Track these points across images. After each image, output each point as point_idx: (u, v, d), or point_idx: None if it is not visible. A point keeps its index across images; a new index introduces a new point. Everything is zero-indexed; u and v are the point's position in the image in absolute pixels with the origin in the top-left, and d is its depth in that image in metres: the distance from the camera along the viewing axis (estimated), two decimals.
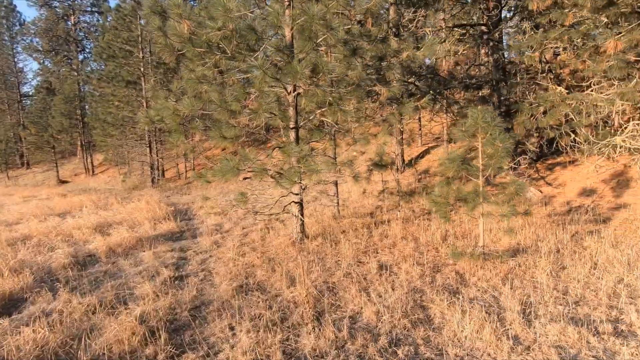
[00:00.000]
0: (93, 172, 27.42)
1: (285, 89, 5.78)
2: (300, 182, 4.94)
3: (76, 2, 31.88)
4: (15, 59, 32.69)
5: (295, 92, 5.77)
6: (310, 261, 5.30)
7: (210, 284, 4.72)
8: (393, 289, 4.12)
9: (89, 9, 32.26)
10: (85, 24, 32.84)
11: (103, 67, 20.04)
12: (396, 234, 6.44)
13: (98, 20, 30.56)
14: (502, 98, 9.59)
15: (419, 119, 14.58)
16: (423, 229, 6.76)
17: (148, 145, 17.07)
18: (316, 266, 5.05)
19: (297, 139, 6.02)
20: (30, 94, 33.59)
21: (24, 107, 32.86)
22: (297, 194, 6.16)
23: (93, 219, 8.84)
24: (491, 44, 9.01)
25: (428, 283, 4.30)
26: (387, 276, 4.55)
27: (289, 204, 6.08)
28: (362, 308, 3.71)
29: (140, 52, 16.50)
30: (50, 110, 24.91)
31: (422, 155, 14.14)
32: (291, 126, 6.01)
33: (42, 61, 33.69)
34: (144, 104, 16.67)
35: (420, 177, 12.59)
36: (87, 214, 10.35)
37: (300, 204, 6.28)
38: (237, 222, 8.71)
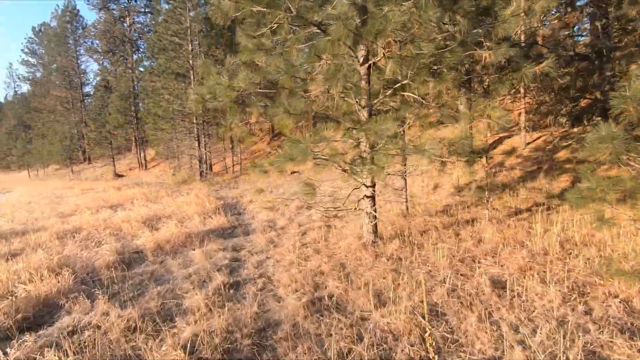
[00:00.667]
0: (146, 166, 28.36)
1: (357, 57, 4.70)
2: (382, 171, 3.82)
3: (131, 3, 33.21)
4: (79, 61, 34.89)
5: (370, 62, 4.65)
6: (392, 270, 4.19)
7: (272, 295, 3.78)
8: (531, 320, 2.89)
9: (142, 9, 33.48)
10: (139, 25, 34.12)
11: (154, 63, 20.31)
12: (492, 238, 5.12)
13: (151, 20, 31.54)
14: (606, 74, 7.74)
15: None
16: (525, 231, 5.37)
17: (197, 138, 16.88)
18: (403, 277, 3.93)
19: (369, 119, 4.91)
20: (91, 93, 35.68)
21: (86, 106, 34.97)
22: (370, 186, 5.06)
23: (143, 212, 8.42)
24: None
25: (581, 313, 3.00)
26: (511, 298, 3.31)
27: (362, 198, 4.99)
28: (497, 349, 2.54)
29: (189, 45, 16.29)
30: (107, 108, 26.02)
31: (494, 146, 12.39)
32: (363, 105, 4.91)
33: (101, 62, 35.63)
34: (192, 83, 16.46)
35: (495, 170, 10.93)
36: (137, 206, 10.07)
37: (373, 198, 5.18)
38: (291, 218, 7.81)
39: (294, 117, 4.11)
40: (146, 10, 33.11)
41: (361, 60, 4.75)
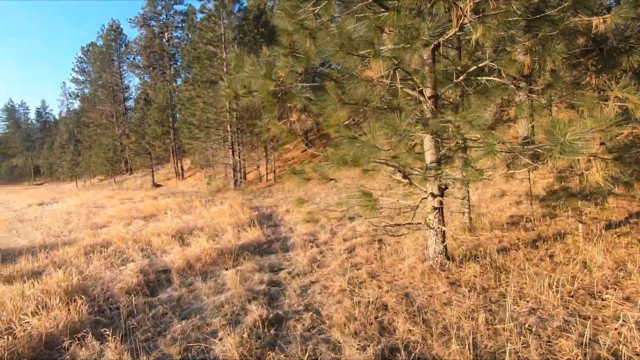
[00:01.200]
0: (182, 176, 28.80)
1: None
2: (480, 176, 2.86)
3: (169, 19, 34.43)
4: (122, 77, 36.59)
5: (440, 39, 3.71)
6: (482, 307, 3.16)
7: (324, 339, 2.89)
8: None
9: (179, 24, 34.58)
10: (177, 39, 35.26)
11: (190, 74, 20.48)
12: (603, 262, 3.93)
13: (185, 32, 32.43)
14: None
15: None
16: None
17: (231, 146, 16.58)
18: (499, 318, 2.90)
19: (436, 112, 3.94)
20: (132, 106, 37.21)
21: (128, 119, 36.49)
22: (437, 195, 4.06)
23: (174, 224, 7.90)
24: None
25: None
26: None
27: (433, 211, 4.01)
28: None
29: (223, 52, 16.12)
30: (147, 120, 26.77)
31: None
32: (428, 94, 3.96)
33: (142, 77, 37.16)
34: (227, 105, 16.21)
35: (562, 173, 9.44)
36: (170, 217, 9.66)
37: (441, 211, 4.17)
38: (334, 231, 6.93)
39: (348, 107, 3.25)
40: (183, 24, 34.15)
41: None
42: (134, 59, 36.92)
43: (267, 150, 19.20)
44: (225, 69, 16.08)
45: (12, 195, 31.23)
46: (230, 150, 16.62)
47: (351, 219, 8.06)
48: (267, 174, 18.91)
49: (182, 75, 24.81)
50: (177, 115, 28.15)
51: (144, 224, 8.51)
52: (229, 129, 16.51)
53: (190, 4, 34.55)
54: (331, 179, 4.52)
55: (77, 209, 14.55)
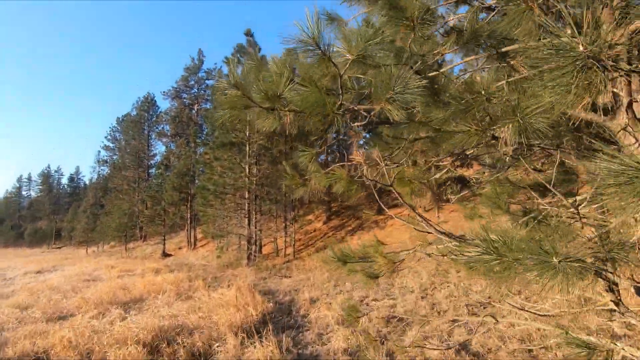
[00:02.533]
0: (195, 245, 26.85)
1: None
2: None
3: (200, 92, 36.11)
4: (149, 144, 37.44)
5: None
6: None
7: None
8: None
9: (209, 97, 36.07)
10: (205, 111, 36.50)
11: (212, 138, 19.86)
12: None
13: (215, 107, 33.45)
14: None
15: None
16: None
17: (247, 214, 14.78)
18: None
19: None
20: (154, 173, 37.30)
21: (149, 185, 36.29)
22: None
23: (159, 319, 5.68)
24: None
25: None
26: None
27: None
28: None
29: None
30: (164, 185, 25.98)
31: None
32: None
33: (168, 145, 37.89)
34: (247, 170, 14.87)
35: None
36: (160, 303, 7.45)
37: None
38: (383, 337, 4.52)
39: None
40: (212, 96, 35.54)
41: None
42: (162, 128, 38.11)
43: (287, 221, 17.26)
44: (247, 133, 15.11)
45: (20, 259, 29.86)
46: (246, 219, 14.79)
47: (403, 322, 5.62)
48: (285, 247, 16.69)
49: (206, 140, 24.51)
50: (197, 181, 27.35)
51: (119, 314, 6.31)
52: (246, 196, 14.91)
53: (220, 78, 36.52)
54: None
55: (66, 281, 12.55)
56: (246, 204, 14.89)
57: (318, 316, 6.16)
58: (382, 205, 2.18)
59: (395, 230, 14.91)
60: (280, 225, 17.60)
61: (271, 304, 7.21)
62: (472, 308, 6.27)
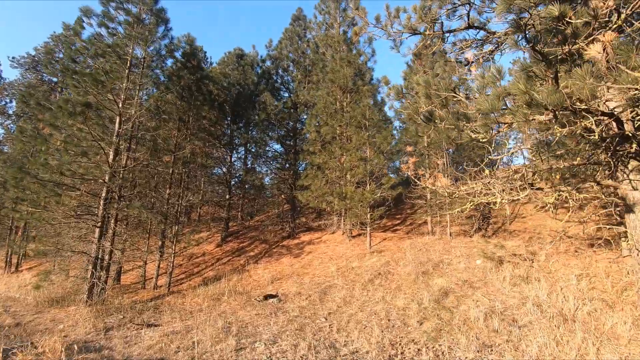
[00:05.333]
0: (18, 267, 18.58)
1: None
2: None
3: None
4: None
5: None
6: None
7: None
8: None
9: None
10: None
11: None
12: None
13: None
14: None
15: None
16: None
17: (99, 222, 9.52)
18: None
19: None
20: None
21: None
22: None
23: None
24: None
25: None
26: None
27: None
28: None
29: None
30: None
31: None
32: None
33: (8, 127, 27.83)
34: (111, 155, 9.86)
35: None
36: None
37: None
38: None
39: None
40: None
41: None
42: (3, 103, 28.05)
43: (166, 238, 12.31)
44: (122, 98, 10.22)
45: None
46: (97, 230, 9.51)
47: None
48: (157, 276, 11.63)
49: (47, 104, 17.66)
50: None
51: None
52: (103, 194, 9.72)
53: None
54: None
55: None
56: (101, 206, 9.67)
57: None
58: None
59: (315, 259, 11.62)
60: (154, 244, 12.52)
61: None
62: None
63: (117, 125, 10.30)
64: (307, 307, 8.24)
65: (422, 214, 12.54)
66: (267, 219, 18.54)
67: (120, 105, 10.32)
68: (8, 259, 18.28)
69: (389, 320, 6.99)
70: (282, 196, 15.88)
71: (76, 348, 5.61)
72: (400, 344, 5.85)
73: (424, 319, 6.85)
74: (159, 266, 11.73)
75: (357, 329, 6.64)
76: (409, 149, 8.83)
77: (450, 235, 11.19)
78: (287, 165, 15.75)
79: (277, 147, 16.95)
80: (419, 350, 5.62)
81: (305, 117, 15.08)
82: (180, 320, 7.71)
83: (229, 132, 16.64)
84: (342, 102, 13.04)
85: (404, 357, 5.36)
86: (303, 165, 15.41)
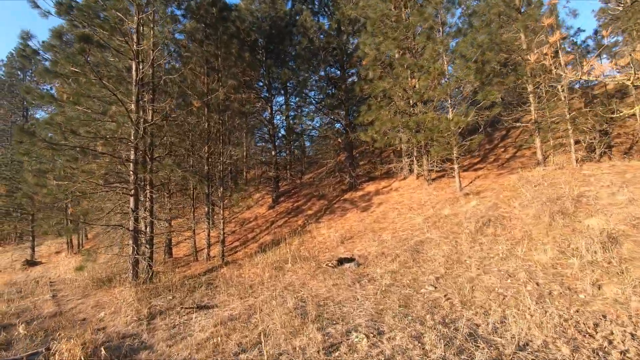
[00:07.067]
0: (80, 247, 18.73)
1: None
2: None
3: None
4: None
5: None
6: None
7: None
8: None
9: None
10: None
11: None
12: None
13: None
14: None
15: None
16: None
17: (132, 189, 8.00)
18: None
19: None
20: None
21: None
22: None
23: None
24: None
25: None
26: None
27: None
28: None
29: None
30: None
31: None
32: None
33: None
34: (133, 107, 8.11)
35: None
36: None
37: None
38: None
39: None
40: None
41: None
42: None
43: (213, 204, 10.75)
44: (135, 39, 8.24)
45: None
46: (132, 199, 8.02)
47: None
48: (208, 245, 10.20)
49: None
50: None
51: None
52: (131, 157, 8.10)
53: None
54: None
55: None
56: (131, 171, 8.09)
57: None
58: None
59: (390, 210, 9.39)
60: (200, 212, 11.05)
61: None
62: None
63: (134, 72, 8.41)
64: (400, 271, 6.12)
65: (526, 140, 9.57)
66: (317, 176, 16.47)
67: (134, 46, 8.35)
68: (69, 240, 18.40)
69: (537, 285, 4.64)
70: (339, 140, 13.48)
71: (103, 353, 4.01)
72: (586, 325, 3.51)
73: (598, 280, 4.40)
74: (209, 235, 10.26)
75: (494, 301, 4.38)
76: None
77: (577, 161, 8.23)
78: (337, 102, 13.09)
79: (322, 84, 14.26)
80: (631, 335, 3.27)
81: (354, 41, 12.20)
82: (239, 299, 6.01)
83: (264, 73, 14.22)
84: (400, 8, 9.99)
85: (614, 348, 3.04)
86: (357, 101, 12.76)
